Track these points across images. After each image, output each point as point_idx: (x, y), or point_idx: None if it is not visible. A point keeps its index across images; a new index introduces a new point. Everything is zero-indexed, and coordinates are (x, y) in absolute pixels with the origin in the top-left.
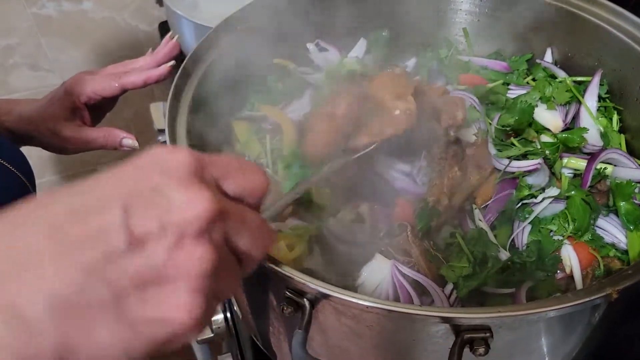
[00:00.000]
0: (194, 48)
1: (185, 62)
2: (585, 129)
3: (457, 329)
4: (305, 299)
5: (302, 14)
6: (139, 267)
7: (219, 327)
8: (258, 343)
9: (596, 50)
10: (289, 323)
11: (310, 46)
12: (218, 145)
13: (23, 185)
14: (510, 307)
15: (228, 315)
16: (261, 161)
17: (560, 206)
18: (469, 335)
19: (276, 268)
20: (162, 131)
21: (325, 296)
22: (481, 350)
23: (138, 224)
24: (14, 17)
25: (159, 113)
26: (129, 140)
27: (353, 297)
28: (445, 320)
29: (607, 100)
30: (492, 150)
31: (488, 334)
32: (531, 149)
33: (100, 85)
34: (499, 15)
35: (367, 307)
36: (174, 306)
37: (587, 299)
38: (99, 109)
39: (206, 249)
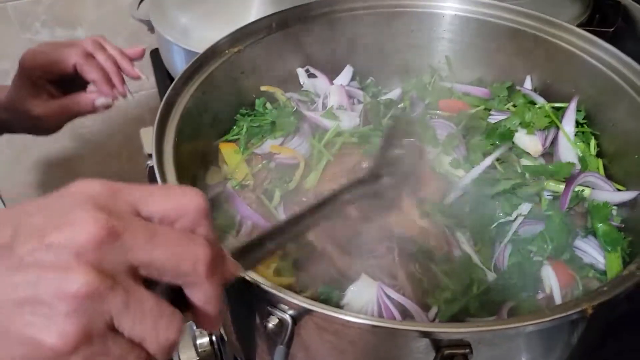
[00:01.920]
0: (182, 71)
1: (174, 83)
2: (573, 164)
3: (437, 344)
4: (287, 315)
5: (291, 41)
6: (19, 286)
7: (204, 350)
8: None
9: (573, 77)
10: (273, 341)
11: (300, 71)
12: (205, 167)
13: None
14: (488, 322)
15: (214, 337)
16: (247, 183)
17: (539, 227)
18: (449, 351)
19: (259, 283)
20: (151, 155)
21: (308, 311)
22: None
23: (23, 244)
24: (8, 42)
25: (148, 137)
26: (102, 99)
27: (335, 312)
28: (424, 334)
29: (585, 125)
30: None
31: (468, 350)
32: (519, 181)
33: (49, 60)
34: (480, 44)
35: (349, 322)
36: (45, 328)
37: (564, 314)
38: (69, 81)
39: (84, 272)
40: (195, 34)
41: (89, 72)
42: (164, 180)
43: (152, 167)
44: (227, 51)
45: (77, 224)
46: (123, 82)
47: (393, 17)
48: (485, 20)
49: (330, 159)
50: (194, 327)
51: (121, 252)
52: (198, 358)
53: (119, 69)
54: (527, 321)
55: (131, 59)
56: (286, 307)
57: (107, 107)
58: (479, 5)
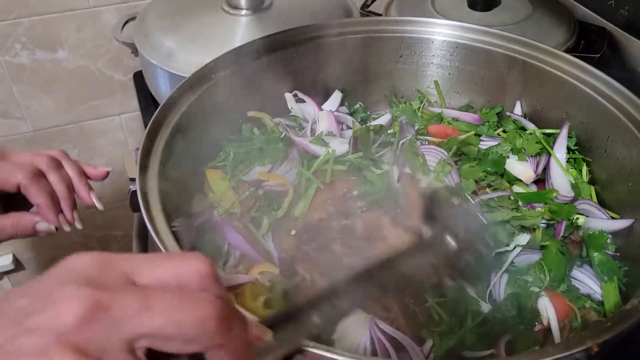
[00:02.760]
0: (168, 95)
1: (159, 109)
2: (554, 191)
3: None
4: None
5: (278, 66)
6: None
7: None
8: None
9: (564, 103)
10: None
11: (288, 96)
12: (191, 194)
13: None
14: None
15: None
16: (234, 211)
17: (535, 257)
18: None
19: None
20: (133, 180)
21: (300, 350)
22: None
23: (3, 331)
24: None
25: (131, 162)
26: (44, 225)
27: (328, 351)
28: None
29: (576, 152)
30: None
31: None
32: (519, 214)
33: None
34: (469, 69)
35: None
36: None
37: (568, 353)
38: (15, 196)
39: (64, 357)
40: (179, 57)
41: (34, 196)
42: (147, 208)
43: (134, 192)
44: (213, 76)
45: (60, 304)
46: (73, 208)
47: (382, 42)
48: (474, 45)
49: (320, 186)
50: None
51: (112, 326)
52: None
53: (72, 192)
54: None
55: (92, 179)
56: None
57: (50, 233)
58: (467, 31)
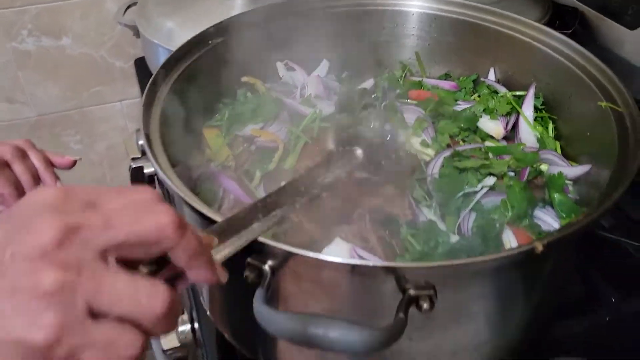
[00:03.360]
0: (168, 57)
1: (159, 68)
2: (522, 144)
3: (403, 286)
4: (266, 266)
5: (271, 36)
6: None
7: (185, 337)
8: (228, 338)
9: (532, 67)
10: (252, 292)
11: (279, 64)
12: (189, 151)
13: None
14: (447, 260)
15: (195, 325)
16: (229, 164)
17: (501, 197)
18: (414, 293)
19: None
20: (135, 159)
21: (287, 258)
22: (426, 305)
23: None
24: None
25: (132, 144)
26: None
27: (314, 254)
28: (389, 270)
29: (543, 110)
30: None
31: (432, 292)
32: (487, 162)
33: None
34: (447, 40)
35: (326, 261)
36: (27, 328)
37: (517, 251)
38: None
39: (51, 270)
40: (179, 37)
41: None
42: (157, 162)
43: (135, 168)
44: (210, 42)
45: (36, 231)
46: None
47: (366, 15)
48: (451, 17)
49: (308, 141)
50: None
51: (84, 244)
52: (179, 344)
53: (38, 182)
54: (482, 259)
55: (59, 167)
56: (265, 259)
57: None
58: (443, 3)
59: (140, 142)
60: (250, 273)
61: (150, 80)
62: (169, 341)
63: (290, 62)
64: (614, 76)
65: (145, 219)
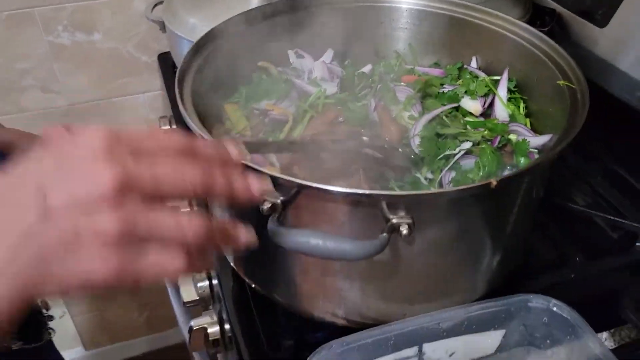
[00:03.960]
0: (196, 41)
1: (188, 51)
2: (496, 119)
3: (386, 216)
4: (278, 200)
5: (283, 28)
6: (54, 236)
7: (204, 291)
8: (242, 276)
9: (508, 56)
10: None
11: (291, 53)
12: (212, 122)
13: None
14: (418, 190)
15: (214, 281)
16: (246, 134)
17: (476, 159)
18: (396, 221)
19: (259, 168)
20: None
21: (297, 191)
22: (405, 231)
23: (52, 199)
24: (31, 44)
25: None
26: None
27: (323, 185)
28: (374, 198)
29: (515, 92)
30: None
31: (410, 221)
32: (465, 130)
33: None
34: (435, 33)
35: (327, 190)
36: (90, 264)
37: (476, 184)
38: None
39: (110, 215)
40: (201, 30)
41: None
42: (191, 121)
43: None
44: (230, 31)
45: (93, 177)
46: None
47: (366, 11)
48: (439, 13)
49: (314, 114)
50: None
51: (136, 192)
52: (198, 298)
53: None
54: (451, 190)
55: None
56: (278, 194)
57: None
58: (431, 0)
59: (165, 127)
60: (265, 206)
61: (182, 60)
62: (189, 295)
63: (300, 50)
64: (570, 59)
65: (188, 174)
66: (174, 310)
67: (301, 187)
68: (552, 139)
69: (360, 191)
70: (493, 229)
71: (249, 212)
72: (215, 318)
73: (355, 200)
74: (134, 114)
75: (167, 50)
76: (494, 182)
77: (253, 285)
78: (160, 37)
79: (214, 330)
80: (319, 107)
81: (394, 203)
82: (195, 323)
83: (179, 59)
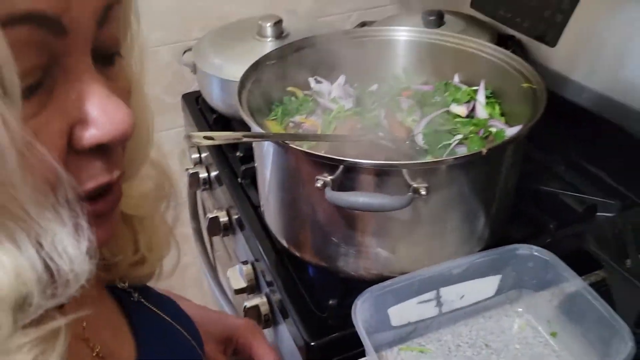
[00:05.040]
0: (246, 70)
1: (244, 72)
2: (487, 119)
3: (407, 183)
4: (328, 178)
5: (304, 61)
6: None
7: (249, 278)
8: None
9: (481, 70)
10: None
11: (311, 79)
12: None
13: (192, 349)
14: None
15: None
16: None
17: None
18: (416, 185)
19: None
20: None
21: (346, 167)
22: (423, 192)
23: None
24: None
25: (186, 157)
26: None
27: (363, 160)
28: (396, 167)
29: (491, 97)
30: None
31: (426, 185)
32: (456, 126)
33: None
34: (426, 57)
35: (365, 163)
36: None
37: (471, 152)
38: None
39: None
40: (228, 69)
41: None
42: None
43: (194, 173)
44: (267, 63)
45: None
46: None
47: (369, 43)
48: (427, 41)
49: (336, 125)
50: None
51: None
52: (246, 285)
53: None
54: (447, 158)
55: None
56: (326, 174)
57: None
58: (421, 33)
59: (194, 155)
60: (318, 184)
61: (239, 82)
62: (237, 283)
63: (318, 77)
64: (530, 67)
65: None
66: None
67: (346, 164)
68: (523, 129)
69: (388, 162)
70: (487, 191)
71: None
72: (264, 298)
73: (384, 171)
74: (159, 148)
75: (190, 90)
76: (485, 150)
77: (299, 255)
78: (183, 81)
79: (265, 307)
80: (340, 118)
81: (413, 171)
82: (248, 303)
83: (207, 93)
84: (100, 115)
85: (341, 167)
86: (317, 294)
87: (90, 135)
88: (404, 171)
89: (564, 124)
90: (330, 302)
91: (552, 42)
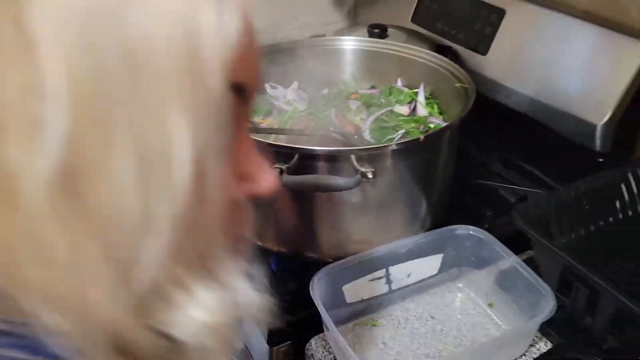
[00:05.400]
0: None
1: None
2: (427, 117)
3: (356, 167)
4: (284, 167)
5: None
6: None
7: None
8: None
9: (423, 75)
10: None
11: (267, 85)
12: None
13: None
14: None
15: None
16: None
17: None
18: (363, 170)
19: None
20: None
21: (301, 155)
22: (370, 175)
23: None
24: None
25: None
26: None
27: (315, 147)
28: (342, 152)
29: (430, 98)
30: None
31: (373, 169)
32: (399, 123)
33: None
34: (371, 64)
35: (317, 149)
36: None
37: (409, 139)
38: None
39: None
40: None
41: None
42: None
43: None
44: None
45: None
46: None
47: (320, 52)
48: (372, 50)
49: (291, 125)
50: None
51: None
52: None
53: None
54: (390, 143)
55: None
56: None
57: None
58: (368, 42)
59: None
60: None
61: None
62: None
63: (273, 83)
64: (461, 69)
65: None
66: None
67: (300, 152)
68: (455, 120)
69: (337, 149)
70: (426, 178)
71: None
72: None
73: (334, 157)
74: None
75: None
76: (422, 137)
77: (261, 244)
78: None
79: None
80: (295, 118)
81: (360, 157)
82: None
83: None
84: (259, 171)
85: (296, 155)
86: (276, 279)
87: (251, 188)
88: (352, 157)
89: (499, 125)
90: (291, 284)
91: (483, 51)
